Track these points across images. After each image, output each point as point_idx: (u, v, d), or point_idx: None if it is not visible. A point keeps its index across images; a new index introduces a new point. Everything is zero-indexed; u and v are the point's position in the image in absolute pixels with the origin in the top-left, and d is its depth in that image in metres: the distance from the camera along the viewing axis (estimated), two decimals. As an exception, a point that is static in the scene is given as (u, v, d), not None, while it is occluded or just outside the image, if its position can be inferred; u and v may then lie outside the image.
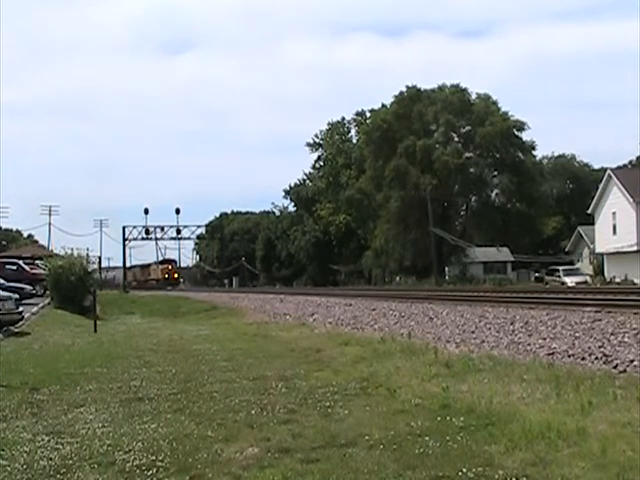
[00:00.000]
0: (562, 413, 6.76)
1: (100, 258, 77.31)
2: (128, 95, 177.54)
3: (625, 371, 9.09)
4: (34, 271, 37.82)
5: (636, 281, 41.34)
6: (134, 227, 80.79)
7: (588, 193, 62.19)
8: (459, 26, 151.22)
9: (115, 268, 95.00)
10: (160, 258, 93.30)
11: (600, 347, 10.62)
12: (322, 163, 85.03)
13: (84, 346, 16.14)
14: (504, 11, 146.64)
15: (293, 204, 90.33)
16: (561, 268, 51.48)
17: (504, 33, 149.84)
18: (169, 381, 10.17)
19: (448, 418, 6.85)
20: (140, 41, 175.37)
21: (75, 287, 31.47)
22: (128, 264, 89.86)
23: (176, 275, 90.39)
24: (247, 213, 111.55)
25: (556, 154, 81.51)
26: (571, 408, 6.92)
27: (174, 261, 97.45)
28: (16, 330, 19.51)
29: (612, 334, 11.51)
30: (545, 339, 12.05)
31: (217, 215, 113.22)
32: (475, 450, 5.78)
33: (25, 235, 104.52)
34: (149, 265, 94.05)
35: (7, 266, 36.49)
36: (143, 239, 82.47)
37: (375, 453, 5.87)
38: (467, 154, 61.04)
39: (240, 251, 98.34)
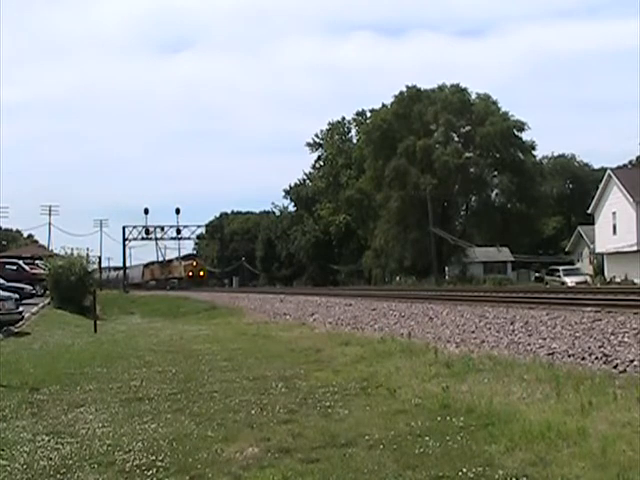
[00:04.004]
0: (562, 413, 6.77)
1: (100, 258, 77.30)
2: (128, 94, 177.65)
3: (625, 371, 9.09)
4: (34, 271, 37.84)
5: (636, 281, 41.33)
6: (134, 227, 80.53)
7: (588, 193, 62.21)
8: (459, 25, 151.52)
9: (128, 267, 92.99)
10: (160, 258, 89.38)
11: (600, 347, 10.62)
12: (322, 163, 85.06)
13: (84, 346, 16.13)
14: (504, 10, 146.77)
15: (293, 204, 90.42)
16: (561, 268, 51.50)
17: (504, 32, 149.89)
18: (169, 381, 10.17)
19: (448, 418, 6.85)
20: (139, 40, 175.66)
21: (75, 287, 31.48)
22: (128, 264, 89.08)
23: (202, 273, 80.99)
24: (247, 213, 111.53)
25: (556, 154, 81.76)
26: (571, 408, 6.93)
27: (199, 257, 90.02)
28: (16, 330, 19.52)
29: (612, 334, 11.51)
30: (545, 339, 12.05)
31: (217, 215, 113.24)
32: (475, 450, 5.78)
33: (25, 235, 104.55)
34: (170, 261, 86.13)
35: (7, 266, 36.53)
36: (143, 239, 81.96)
37: (375, 453, 5.87)
38: (467, 154, 61.06)
39: (240, 251, 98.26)
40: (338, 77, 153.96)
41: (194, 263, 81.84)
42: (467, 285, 48.63)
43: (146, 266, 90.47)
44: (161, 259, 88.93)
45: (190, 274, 78.67)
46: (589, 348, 10.67)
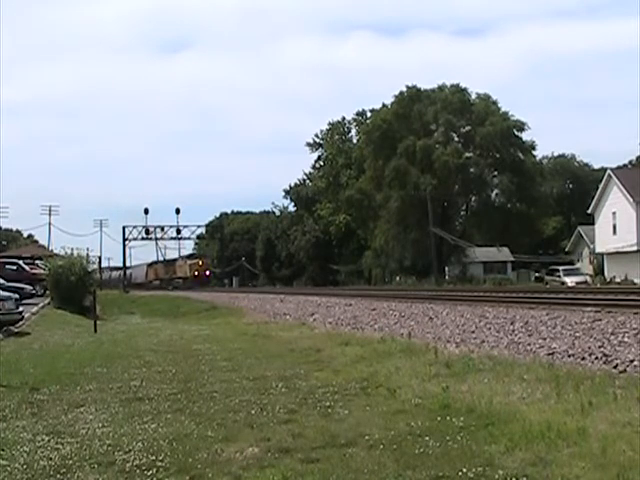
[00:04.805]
0: (562, 413, 6.77)
1: (100, 258, 77.29)
2: (128, 94, 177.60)
3: (625, 371, 9.09)
4: (34, 271, 37.86)
5: (636, 281, 41.34)
6: (134, 227, 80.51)
7: (588, 193, 62.22)
8: (459, 25, 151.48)
9: (131, 267, 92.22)
10: (160, 258, 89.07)
11: (600, 347, 10.62)
12: (322, 163, 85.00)
13: (84, 346, 16.14)
14: (504, 10, 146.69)
15: (293, 204, 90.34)
16: (561, 268, 51.49)
17: (504, 32, 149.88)
18: (169, 381, 10.17)
19: (448, 418, 6.85)
20: (138, 40, 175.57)
21: (75, 287, 31.47)
22: (128, 264, 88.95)
23: (208, 272, 78.69)
24: (247, 213, 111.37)
25: (556, 154, 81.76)
26: (571, 408, 6.93)
27: (205, 256, 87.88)
28: (16, 330, 19.52)
29: (612, 334, 11.51)
30: (545, 339, 12.05)
31: (217, 215, 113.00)
32: (475, 450, 5.78)
33: (25, 235, 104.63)
34: (174, 260, 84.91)
35: (7, 266, 36.53)
36: (143, 239, 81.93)
37: (375, 453, 5.86)
38: (467, 154, 61.05)
39: (240, 251, 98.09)
40: (338, 77, 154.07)
41: (200, 262, 79.47)
42: (467, 285, 48.62)
43: (150, 265, 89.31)
44: (161, 259, 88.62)
45: (196, 274, 76.50)
46: (589, 348, 10.67)
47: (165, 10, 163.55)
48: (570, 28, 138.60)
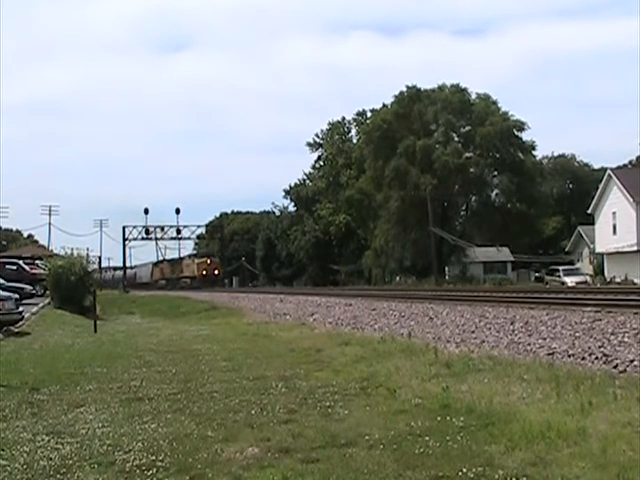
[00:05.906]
0: (562, 413, 6.76)
1: (100, 258, 77.33)
2: (127, 94, 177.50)
3: (625, 371, 9.08)
4: (34, 271, 37.88)
5: (636, 281, 41.35)
6: (134, 227, 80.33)
7: (588, 193, 62.23)
8: (459, 25, 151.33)
9: (136, 266, 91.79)
10: (160, 258, 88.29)
11: (600, 347, 10.61)
12: (322, 163, 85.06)
13: (84, 346, 16.14)
14: (504, 10, 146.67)
15: (293, 204, 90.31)
16: (561, 268, 51.51)
17: (504, 32, 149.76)
18: (169, 381, 10.17)
19: (448, 418, 6.86)
20: (138, 40, 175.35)
21: (75, 287, 31.47)
22: (129, 264, 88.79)
23: (217, 272, 74.32)
24: (247, 213, 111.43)
25: (556, 154, 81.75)
26: (571, 408, 6.92)
27: (213, 255, 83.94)
28: (16, 330, 19.53)
29: (612, 334, 11.50)
30: (545, 339, 12.04)
31: (217, 215, 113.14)
32: (475, 450, 5.78)
33: (25, 235, 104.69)
34: (181, 259, 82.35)
35: (7, 266, 36.54)
36: (143, 239, 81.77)
37: (375, 453, 5.87)
38: (467, 154, 61.02)
39: (240, 251, 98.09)
40: (338, 77, 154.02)
41: (208, 261, 76.08)
42: (467, 285, 48.58)
43: (155, 265, 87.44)
44: (161, 258, 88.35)
45: (204, 273, 73.43)
46: (589, 348, 10.66)
47: (165, 10, 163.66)
48: (570, 28, 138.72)
